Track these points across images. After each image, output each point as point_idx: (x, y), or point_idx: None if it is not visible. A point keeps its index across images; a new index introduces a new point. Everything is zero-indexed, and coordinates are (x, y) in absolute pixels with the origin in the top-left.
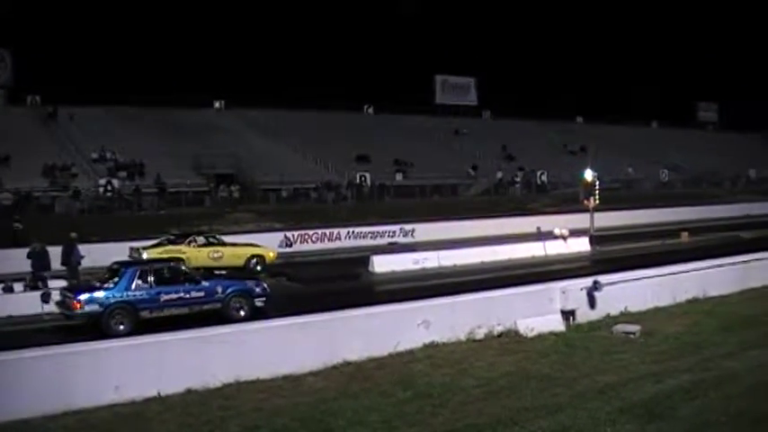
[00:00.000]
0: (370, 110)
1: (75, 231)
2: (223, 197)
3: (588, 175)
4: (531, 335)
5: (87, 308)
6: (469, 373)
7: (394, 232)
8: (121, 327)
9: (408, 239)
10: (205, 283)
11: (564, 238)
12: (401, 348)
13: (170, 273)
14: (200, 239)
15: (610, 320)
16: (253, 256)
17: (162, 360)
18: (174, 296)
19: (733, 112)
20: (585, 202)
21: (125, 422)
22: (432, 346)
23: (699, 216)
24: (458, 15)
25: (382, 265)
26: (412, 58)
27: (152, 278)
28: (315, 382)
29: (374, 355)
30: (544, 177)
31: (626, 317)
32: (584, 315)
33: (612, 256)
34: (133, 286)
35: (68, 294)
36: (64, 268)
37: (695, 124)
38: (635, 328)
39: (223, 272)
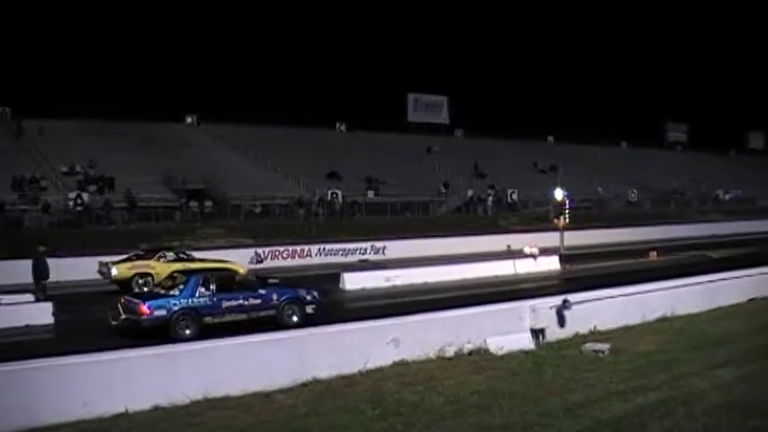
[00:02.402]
0: (342, 127)
1: (44, 245)
2: (193, 212)
3: (558, 194)
4: (500, 353)
5: (156, 313)
6: (439, 391)
7: (365, 249)
8: (187, 332)
9: (379, 257)
10: (262, 291)
11: (534, 256)
12: (371, 366)
13: (230, 281)
14: (170, 255)
15: (579, 339)
16: None
17: (130, 376)
18: (233, 303)
19: (701, 132)
20: (555, 220)
21: None
22: (402, 364)
23: (667, 235)
24: (431, 34)
25: (353, 282)
26: (385, 76)
27: (213, 286)
28: (285, 400)
29: (344, 373)
30: (515, 196)
31: (595, 335)
32: (554, 333)
33: (582, 274)
34: (197, 293)
35: (134, 301)
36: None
37: (664, 144)
38: (604, 346)
39: (276, 280)
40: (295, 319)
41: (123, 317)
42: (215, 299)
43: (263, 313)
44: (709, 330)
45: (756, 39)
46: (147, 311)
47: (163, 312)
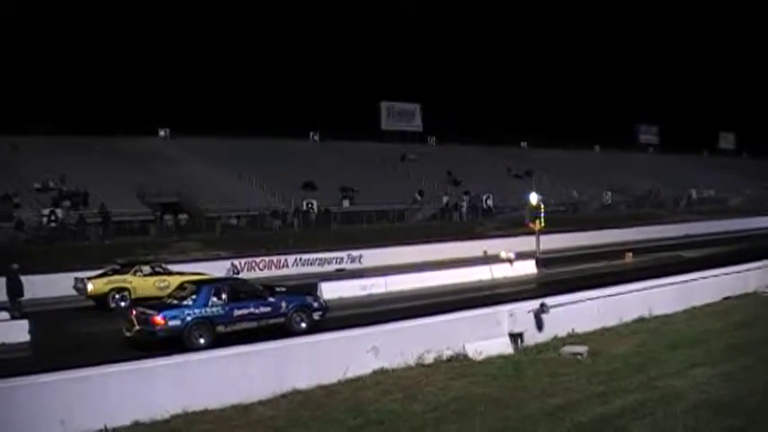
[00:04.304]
0: (316, 137)
1: (18, 262)
2: (168, 226)
3: (533, 198)
4: (479, 358)
5: (171, 323)
6: (419, 398)
7: (341, 259)
8: (201, 340)
9: (356, 265)
10: (271, 299)
11: (510, 261)
12: (350, 375)
13: (240, 290)
14: (146, 269)
15: (557, 342)
16: None
17: (108, 392)
18: (245, 311)
19: (673, 133)
20: (531, 225)
21: None
22: (381, 372)
23: (642, 237)
24: (403, 42)
25: (330, 291)
26: (357, 85)
27: (225, 295)
28: (264, 411)
29: (323, 383)
30: (490, 201)
31: (573, 338)
32: (532, 337)
33: (559, 278)
34: (210, 303)
35: (149, 312)
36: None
37: (636, 147)
38: (582, 349)
39: (283, 288)
40: (303, 325)
41: (137, 328)
42: (227, 308)
43: (272, 321)
44: (686, 330)
45: (726, 41)
46: (162, 322)
47: (177, 323)
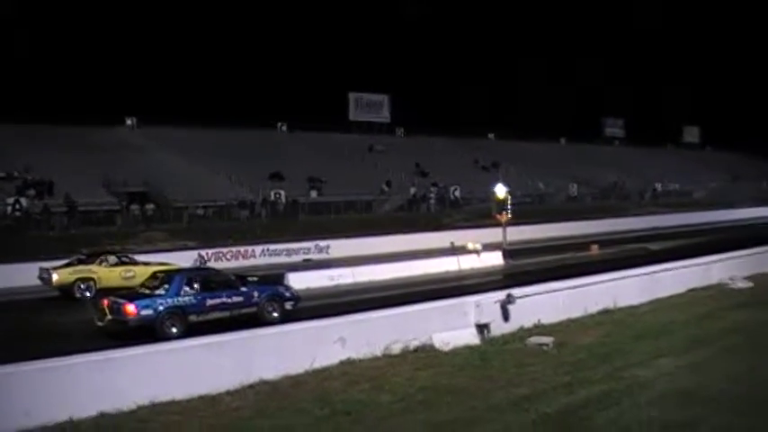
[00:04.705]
0: (284, 127)
1: None
2: (135, 216)
3: (500, 190)
4: (446, 349)
5: (143, 313)
6: (386, 388)
7: (309, 249)
8: (174, 330)
9: (323, 256)
10: (243, 289)
11: (477, 252)
12: (317, 365)
13: (213, 279)
14: (112, 259)
15: (524, 333)
16: None
17: (73, 383)
18: (217, 301)
19: (638, 126)
20: (498, 216)
21: None
22: (348, 363)
23: (608, 229)
24: (370, 33)
25: (297, 281)
26: (325, 76)
27: (198, 285)
28: (231, 402)
29: (290, 373)
30: (457, 193)
31: (539, 329)
32: (499, 328)
33: (525, 269)
34: (182, 292)
35: (120, 301)
36: None
37: (602, 140)
38: (548, 339)
39: (255, 278)
40: (275, 315)
41: (109, 317)
42: (199, 297)
43: (244, 311)
44: (651, 321)
45: (691, 36)
46: (135, 312)
47: (150, 312)
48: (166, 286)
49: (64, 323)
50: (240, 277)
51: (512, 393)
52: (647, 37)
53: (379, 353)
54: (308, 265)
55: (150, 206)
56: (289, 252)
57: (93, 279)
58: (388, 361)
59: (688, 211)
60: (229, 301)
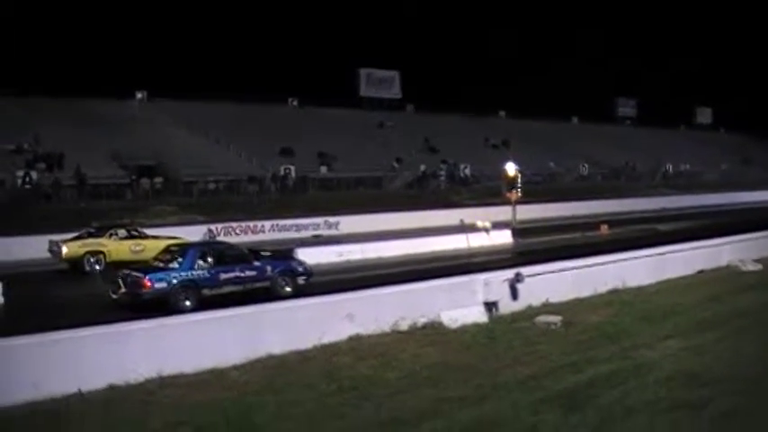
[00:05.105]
0: (295, 102)
1: None
2: (145, 190)
3: (510, 168)
4: (454, 326)
5: (157, 286)
6: (393, 365)
7: (318, 225)
8: (187, 303)
9: (333, 232)
10: (257, 263)
11: (487, 230)
12: (325, 341)
13: (226, 253)
14: (122, 232)
15: (532, 311)
16: None
17: (81, 355)
18: (230, 275)
19: (650, 107)
20: (508, 195)
21: (43, 419)
22: (356, 339)
23: (617, 209)
24: (382, 8)
25: (306, 257)
26: (336, 51)
27: (211, 258)
28: (239, 376)
29: (298, 348)
30: (467, 171)
31: (547, 308)
32: (507, 306)
33: (534, 248)
34: (196, 266)
35: (135, 274)
36: None
37: (614, 119)
38: (556, 318)
39: (268, 252)
40: (288, 289)
41: (123, 290)
42: (213, 271)
43: (257, 285)
44: (659, 302)
45: (705, 16)
46: (149, 284)
47: (163, 285)
48: (180, 260)
49: (72, 296)
50: (253, 251)
51: (519, 372)
52: (663, 18)
53: (387, 329)
54: (317, 241)
55: (159, 180)
56: (298, 228)
57: (102, 252)
58: (396, 337)
59: (698, 193)
60: (243, 275)
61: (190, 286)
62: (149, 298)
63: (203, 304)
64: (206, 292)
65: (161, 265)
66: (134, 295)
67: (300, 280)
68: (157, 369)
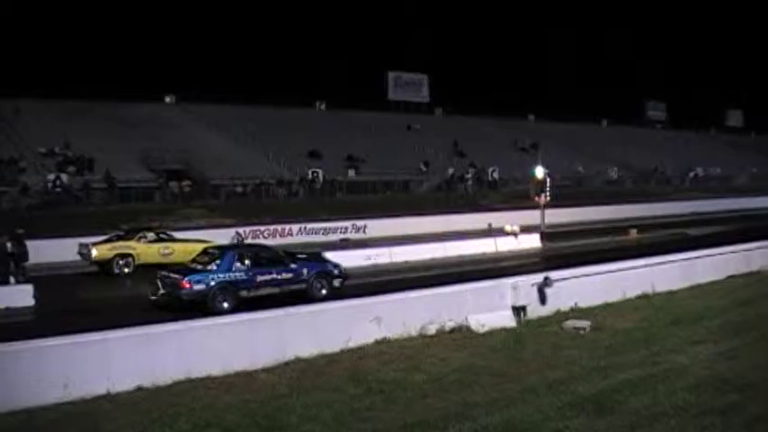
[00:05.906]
0: (323, 106)
1: (24, 227)
2: (173, 193)
3: (539, 172)
4: (482, 330)
5: (195, 287)
6: (421, 368)
7: (346, 228)
8: (225, 305)
9: (360, 235)
10: (293, 266)
11: (515, 234)
12: (353, 344)
13: (263, 256)
14: (151, 235)
15: (560, 316)
16: None
17: (110, 357)
18: (267, 277)
19: (681, 110)
20: (536, 198)
21: (73, 420)
22: (383, 342)
23: (647, 213)
24: (411, 11)
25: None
26: (365, 54)
27: (248, 261)
28: (267, 379)
29: (326, 352)
30: (495, 174)
31: (576, 312)
32: (535, 311)
33: (563, 252)
34: (233, 268)
35: (174, 276)
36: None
37: (644, 123)
38: (585, 323)
39: (304, 255)
40: (324, 292)
41: (162, 292)
42: (250, 273)
43: (294, 287)
44: (689, 307)
45: (736, 18)
46: (188, 286)
47: (202, 287)
48: (218, 262)
49: (101, 298)
50: (290, 254)
51: (547, 376)
52: (693, 20)
53: (414, 333)
54: (345, 245)
55: (188, 183)
56: (326, 231)
57: (131, 255)
58: (424, 341)
59: (729, 197)
60: (279, 277)
61: (228, 288)
62: (188, 299)
63: (241, 306)
64: (244, 293)
65: (199, 266)
66: (172, 297)
67: (336, 282)
68: (186, 371)
